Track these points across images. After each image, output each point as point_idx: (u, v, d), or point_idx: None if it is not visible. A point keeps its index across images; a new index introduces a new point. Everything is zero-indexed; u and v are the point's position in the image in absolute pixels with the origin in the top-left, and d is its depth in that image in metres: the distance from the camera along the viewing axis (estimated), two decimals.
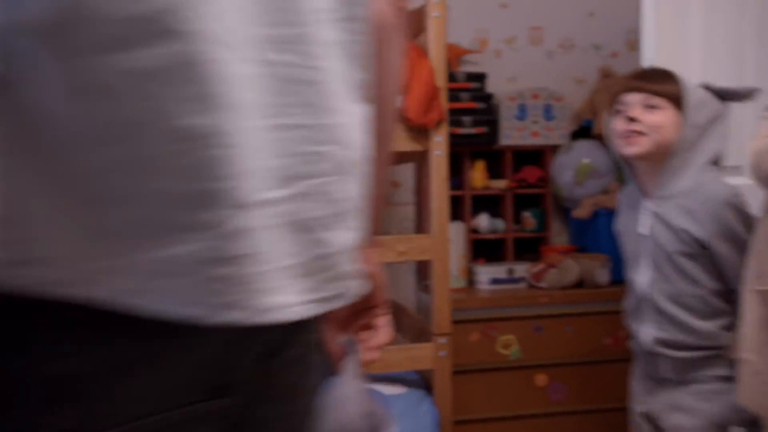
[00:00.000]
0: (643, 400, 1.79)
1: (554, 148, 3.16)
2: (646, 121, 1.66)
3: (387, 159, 0.89)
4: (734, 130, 1.76)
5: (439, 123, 2.17)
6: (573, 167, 3.09)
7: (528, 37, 3.36)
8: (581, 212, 3.08)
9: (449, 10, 2.27)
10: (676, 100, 1.67)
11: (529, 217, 3.20)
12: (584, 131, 3.20)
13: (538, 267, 2.92)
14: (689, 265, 1.64)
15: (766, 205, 1.35)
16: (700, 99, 1.68)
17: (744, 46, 2.09)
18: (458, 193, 3.10)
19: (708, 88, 1.72)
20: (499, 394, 2.77)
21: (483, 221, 3.17)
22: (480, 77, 3.10)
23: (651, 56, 2.05)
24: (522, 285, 2.99)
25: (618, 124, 1.71)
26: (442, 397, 2.21)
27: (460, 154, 3.11)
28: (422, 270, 3.21)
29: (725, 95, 1.70)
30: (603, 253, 2.93)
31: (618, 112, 1.71)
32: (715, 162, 1.70)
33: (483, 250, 3.20)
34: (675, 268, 1.65)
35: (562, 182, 3.10)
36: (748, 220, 1.60)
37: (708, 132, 1.67)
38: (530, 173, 3.17)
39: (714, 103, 1.70)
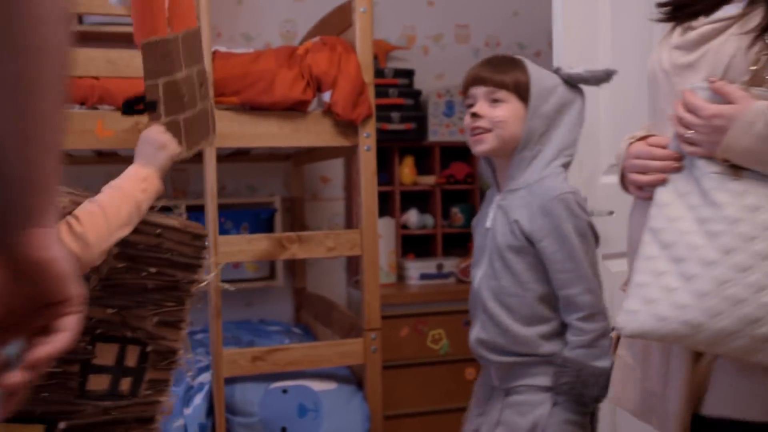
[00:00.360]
0: (477, 412, 1.67)
1: None
2: (489, 116, 1.58)
3: (50, 103, 0.65)
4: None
5: (367, 118, 2.17)
6: None
7: (455, 35, 3.40)
8: None
9: (377, 6, 2.28)
10: (520, 90, 1.57)
11: (457, 213, 3.23)
12: None
13: (467, 262, 2.96)
14: (516, 261, 1.54)
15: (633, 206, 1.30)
16: (546, 87, 1.58)
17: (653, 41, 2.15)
18: (387, 188, 3.11)
19: (558, 72, 1.63)
20: (429, 388, 2.79)
21: (412, 217, 3.19)
22: (408, 73, 3.12)
23: (562, 55, 2.09)
24: (451, 280, 3.03)
25: (465, 120, 1.64)
26: (373, 392, 2.22)
27: (388, 150, 3.12)
28: (352, 266, 3.21)
29: (577, 79, 1.60)
30: None
31: (468, 105, 1.64)
32: (570, 153, 1.61)
33: (412, 245, 3.23)
34: (503, 264, 1.55)
35: (490, 178, 3.15)
36: (579, 222, 1.51)
37: (557, 121, 1.58)
38: (458, 169, 3.21)
39: (563, 91, 1.60)
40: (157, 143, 1.36)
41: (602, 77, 1.59)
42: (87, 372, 1.23)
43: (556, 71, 1.63)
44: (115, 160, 2.95)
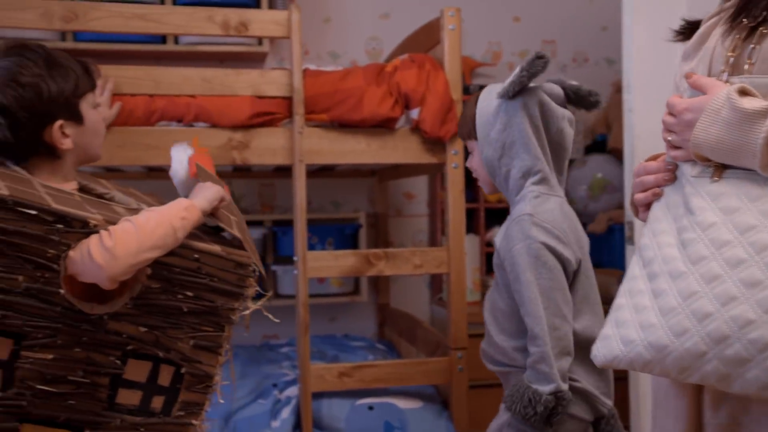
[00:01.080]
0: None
1: (568, 163, 3.14)
2: (471, 167, 1.68)
3: None
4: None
5: (454, 136, 2.16)
6: (587, 182, 3.08)
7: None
8: (596, 227, 3.06)
9: (462, 23, 2.27)
10: (474, 132, 1.60)
11: None
12: (598, 145, 3.18)
13: None
14: (499, 278, 1.56)
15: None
16: (489, 113, 1.56)
17: None
18: (472, 206, 3.08)
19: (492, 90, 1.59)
20: None
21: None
22: None
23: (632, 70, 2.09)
24: None
25: None
26: (459, 412, 2.19)
27: None
28: (436, 282, 3.19)
29: (511, 89, 1.53)
30: (618, 268, 2.90)
31: None
32: (537, 168, 1.55)
33: None
34: (496, 280, 1.60)
35: (577, 196, 3.08)
36: (531, 243, 1.46)
37: (508, 141, 1.55)
38: None
39: (505, 108, 1.55)
40: (207, 185, 1.38)
41: (534, 67, 1.49)
42: (117, 386, 1.23)
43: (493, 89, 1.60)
44: None
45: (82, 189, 1.42)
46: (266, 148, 2.07)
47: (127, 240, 1.15)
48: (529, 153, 1.55)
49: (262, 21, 2.05)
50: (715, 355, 0.91)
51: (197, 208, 1.28)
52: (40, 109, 1.28)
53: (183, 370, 1.28)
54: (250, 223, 2.99)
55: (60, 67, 1.34)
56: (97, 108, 1.42)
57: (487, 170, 1.59)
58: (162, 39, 2.91)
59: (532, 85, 1.54)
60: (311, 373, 2.08)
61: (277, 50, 3.18)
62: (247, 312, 1.34)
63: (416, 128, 2.16)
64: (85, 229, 1.15)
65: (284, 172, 2.89)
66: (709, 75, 1.02)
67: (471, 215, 3.09)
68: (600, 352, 1.03)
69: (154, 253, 1.19)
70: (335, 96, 2.10)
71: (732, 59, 0.99)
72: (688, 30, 1.14)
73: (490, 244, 3.16)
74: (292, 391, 2.18)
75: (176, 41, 2.92)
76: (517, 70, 1.50)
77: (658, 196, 1.07)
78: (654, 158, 1.15)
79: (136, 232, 1.16)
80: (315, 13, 3.19)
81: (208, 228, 1.36)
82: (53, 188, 1.25)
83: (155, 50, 2.90)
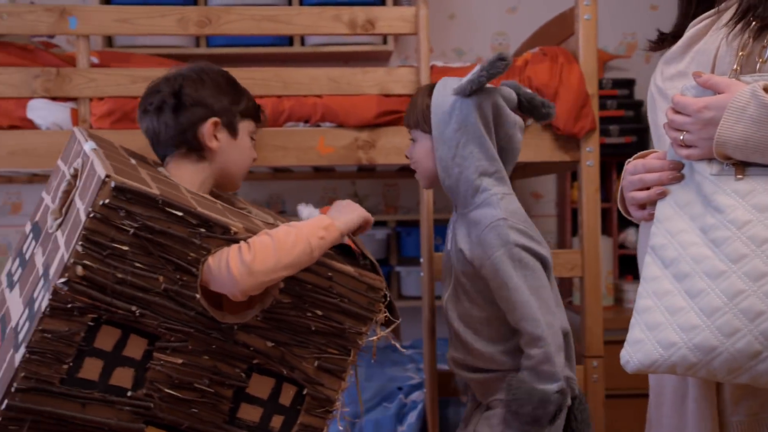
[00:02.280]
0: (461, 427, 1.67)
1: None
2: (409, 157, 1.65)
3: None
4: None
5: (590, 132, 2.04)
6: None
7: None
8: None
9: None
10: (423, 124, 1.58)
11: None
12: None
13: None
14: (470, 285, 1.55)
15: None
16: (445, 111, 1.54)
17: None
18: (605, 206, 2.94)
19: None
20: None
21: (631, 236, 2.99)
22: (628, 83, 2.94)
23: None
24: None
25: None
26: (595, 423, 2.06)
27: (606, 165, 2.94)
28: (564, 286, 3.06)
29: (468, 88, 1.51)
30: None
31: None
32: (494, 168, 1.54)
33: (631, 266, 3.01)
34: (462, 288, 1.56)
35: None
36: (511, 249, 1.47)
37: (463, 141, 1.52)
38: None
39: (460, 106, 1.52)
40: (350, 206, 1.35)
41: (494, 68, 1.47)
42: (240, 399, 1.22)
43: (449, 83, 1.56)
44: (332, 175, 3.05)
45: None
46: (392, 147, 2.04)
47: (265, 255, 1.13)
48: (485, 153, 1.53)
49: (390, 18, 2.02)
50: None
51: (336, 228, 1.26)
52: (208, 101, 1.39)
53: (305, 392, 1.25)
54: (375, 223, 2.97)
55: (236, 87, 1.47)
56: (252, 140, 1.49)
57: (440, 168, 1.56)
58: (289, 41, 2.95)
59: (488, 86, 1.52)
60: (438, 379, 2.03)
61: (401, 49, 3.16)
62: (375, 339, 1.31)
63: (549, 125, 2.06)
64: (225, 236, 1.15)
65: (408, 171, 2.86)
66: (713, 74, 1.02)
67: (604, 216, 2.94)
68: (634, 357, 1.01)
69: (289, 271, 1.17)
70: None
71: (744, 57, 0.99)
72: (668, 38, 1.17)
73: (623, 245, 3.00)
74: (418, 395, 2.14)
75: (302, 43, 2.95)
76: (477, 68, 1.49)
77: (664, 195, 1.05)
78: (643, 156, 1.13)
79: (275, 248, 1.15)
80: (439, 10, 3.14)
81: (340, 248, 1.33)
82: (198, 194, 1.27)
83: (282, 52, 2.94)
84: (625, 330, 2.65)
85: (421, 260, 2.09)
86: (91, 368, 1.09)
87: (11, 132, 1.93)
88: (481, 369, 1.57)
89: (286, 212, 3.08)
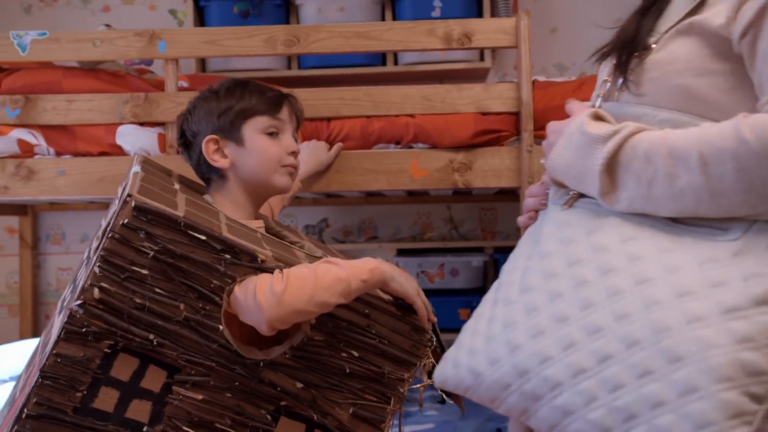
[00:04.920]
0: None
1: None
2: None
3: None
4: None
5: None
6: None
7: None
8: None
9: None
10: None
11: None
12: None
13: None
14: None
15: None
16: None
17: None
18: None
19: None
20: None
21: None
22: None
23: None
24: None
25: None
26: None
27: None
28: None
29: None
30: None
31: None
32: None
33: None
34: None
35: None
36: None
37: None
38: None
39: None
40: (405, 274, 1.20)
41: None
42: None
43: None
44: (426, 199, 2.93)
45: (270, 232, 1.38)
46: (490, 169, 1.89)
47: (299, 288, 1.05)
48: None
49: (488, 30, 1.88)
50: (517, 387, 0.89)
51: (383, 272, 1.13)
52: (202, 127, 1.38)
53: None
54: (471, 249, 2.83)
55: (235, 90, 1.40)
56: (274, 136, 1.39)
57: None
58: (382, 61, 2.85)
59: None
60: None
61: (499, 66, 3.01)
62: (420, 386, 1.17)
63: None
64: (252, 264, 1.07)
65: (506, 195, 2.70)
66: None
67: None
68: (437, 372, 1.03)
69: (322, 309, 1.08)
70: None
71: (608, 84, 0.98)
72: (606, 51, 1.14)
73: None
74: None
75: (395, 62, 2.85)
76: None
77: (533, 220, 1.05)
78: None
79: (312, 282, 1.06)
80: (541, 24, 2.98)
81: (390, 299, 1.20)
82: (237, 222, 1.21)
83: (375, 72, 2.85)
84: None
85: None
86: (107, 398, 1.04)
87: (101, 159, 1.92)
88: None
89: (378, 238, 2.97)
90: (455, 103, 1.88)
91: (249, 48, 1.91)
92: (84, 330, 1.02)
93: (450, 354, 1.01)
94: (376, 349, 1.15)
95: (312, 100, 1.86)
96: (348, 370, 1.14)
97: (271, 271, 1.08)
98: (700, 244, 0.84)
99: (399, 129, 1.90)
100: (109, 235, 1.02)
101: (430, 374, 1.16)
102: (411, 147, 1.92)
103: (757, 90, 0.83)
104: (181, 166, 1.72)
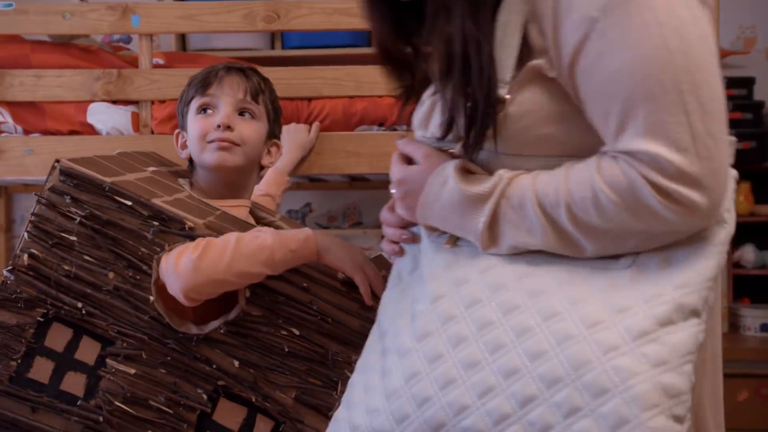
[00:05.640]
0: None
1: None
2: None
3: None
4: None
5: None
6: None
7: None
8: None
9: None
10: None
11: None
12: None
13: None
14: None
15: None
16: None
17: None
18: None
19: None
20: None
21: (748, 254, 2.77)
22: (746, 82, 2.70)
23: None
24: None
25: None
26: None
27: None
28: None
29: None
30: None
31: None
32: None
33: (748, 288, 2.78)
34: None
35: None
36: None
37: None
38: None
39: None
40: (348, 247, 1.12)
41: None
42: (205, 427, 1.08)
43: None
44: None
45: (254, 215, 1.40)
46: None
47: (216, 255, 1.01)
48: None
49: None
50: None
51: (316, 242, 1.06)
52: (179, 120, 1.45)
53: (281, 429, 1.09)
54: None
55: (190, 81, 1.43)
56: (204, 113, 1.36)
57: None
58: (367, 41, 2.78)
59: None
60: None
61: None
62: None
63: None
64: (182, 232, 1.05)
65: None
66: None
67: None
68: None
69: (244, 279, 1.04)
70: None
71: (423, 112, 0.97)
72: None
73: (739, 265, 2.76)
74: None
75: None
76: None
77: (399, 255, 0.97)
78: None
79: (232, 250, 1.02)
80: None
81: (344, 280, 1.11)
82: (196, 199, 1.19)
83: (361, 54, 2.77)
84: (743, 362, 2.37)
85: None
86: (42, 369, 1.04)
87: (71, 138, 1.85)
88: None
89: (362, 224, 2.92)
90: None
91: (227, 24, 1.84)
92: (14, 296, 1.02)
93: (341, 415, 0.92)
94: (319, 327, 1.09)
95: (291, 79, 1.80)
96: (287, 349, 1.08)
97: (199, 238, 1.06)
98: (597, 274, 0.83)
99: (383, 110, 1.85)
100: (37, 200, 1.02)
101: None
102: (395, 129, 1.86)
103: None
104: (157, 146, 1.66)
